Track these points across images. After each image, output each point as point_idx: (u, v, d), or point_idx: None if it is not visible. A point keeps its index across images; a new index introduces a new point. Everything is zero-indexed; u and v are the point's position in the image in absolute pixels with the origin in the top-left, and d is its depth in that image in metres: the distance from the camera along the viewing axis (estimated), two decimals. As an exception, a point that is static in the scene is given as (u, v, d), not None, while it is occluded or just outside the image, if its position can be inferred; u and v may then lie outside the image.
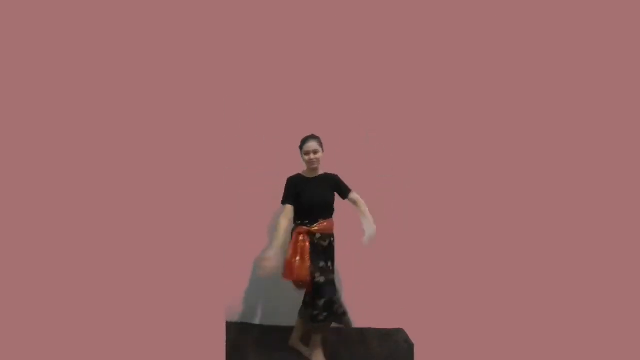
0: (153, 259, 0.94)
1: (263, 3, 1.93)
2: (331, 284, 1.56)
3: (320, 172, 1.66)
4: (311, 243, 1.56)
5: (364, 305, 2.03)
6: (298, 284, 1.55)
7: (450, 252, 1.14)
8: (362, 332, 1.98)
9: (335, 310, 1.53)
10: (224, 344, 1.09)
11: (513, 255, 0.97)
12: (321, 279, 1.54)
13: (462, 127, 1.12)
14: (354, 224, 1.63)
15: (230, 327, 1.93)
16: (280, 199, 1.63)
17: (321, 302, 1.51)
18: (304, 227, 1.57)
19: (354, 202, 1.65)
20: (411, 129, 2.02)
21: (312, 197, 1.58)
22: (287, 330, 1.90)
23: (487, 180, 1.04)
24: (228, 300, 2.02)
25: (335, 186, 1.66)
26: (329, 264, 1.61)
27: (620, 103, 0.87)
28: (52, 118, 0.90)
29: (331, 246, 1.64)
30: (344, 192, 1.66)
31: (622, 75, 0.87)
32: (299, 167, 1.70)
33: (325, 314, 1.52)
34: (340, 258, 1.99)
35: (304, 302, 1.66)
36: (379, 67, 2.03)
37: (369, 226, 1.58)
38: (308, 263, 1.51)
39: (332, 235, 1.63)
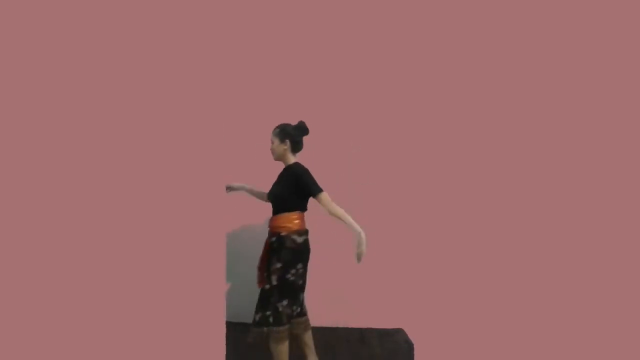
0: (153, 259, 0.94)
1: (252, 5, 1.93)
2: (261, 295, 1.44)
3: (292, 163, 1.55)
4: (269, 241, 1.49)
5: (364, 305, 2.03)
6: None
7: (450, 252, 1.14)
8: (362, 332, 1.98)
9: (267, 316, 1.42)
10: (224, 344, 1.09)
11: (512, 256, 0.97)
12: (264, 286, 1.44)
13: (458, 128, 1.12)
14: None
15: (230, 327, 1.93)
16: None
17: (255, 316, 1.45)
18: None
19: (320, 203, 1.45)
20: (407, 128, 2.02)
21: (271, 189, 1.57)
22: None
23: (486, 181, 1.04)
24: (228, 300, 2.02)
25: (297, 181, 1.46)
26: (274, 266, 1.42)
27: (620, 103, 0.87)
28: (48, 117, 0.90)
29: (280, 247, 1.43)
30: (310, 190, 1.44)
31: (621, 75, 0.87)
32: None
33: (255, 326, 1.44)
34: (340, 258, 1.99)
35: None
36: (368, 68, 2.03)
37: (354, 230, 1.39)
38: (261, 265, 1.48)
39: (278, 234, 1.44)
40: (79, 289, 0.90)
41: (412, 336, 1.94)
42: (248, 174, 2.02)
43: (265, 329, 1.40)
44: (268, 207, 1.95)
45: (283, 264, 1.41)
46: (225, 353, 1.10)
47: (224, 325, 1.11)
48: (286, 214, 1.47)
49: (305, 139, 1.61)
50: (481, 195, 1.06)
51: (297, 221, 1.46)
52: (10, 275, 0.86)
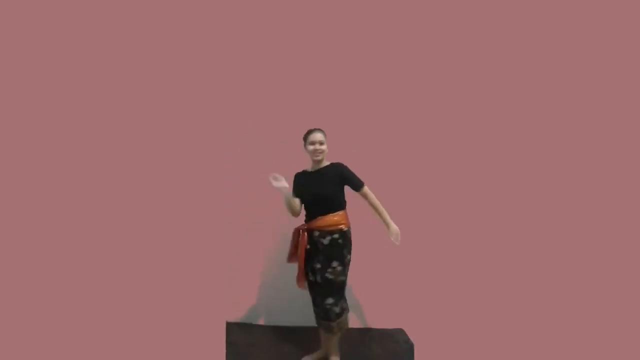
0: (154, 260, 0.94)
1: (263, 2, 1.93)
2: (322, 285, 1.51)
3: (326, 163, 1.60)
4: (310, 241, 1.53)
5: (364, 305, 2.03)
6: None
7: (450, 252, 1.14)
8: (362, 332, 1.98)
9: (318, 312, 1.54)
10: (224, 344, 1.09)
11: (512, 256, 0.97)
12: (311, 279, 1.55)
13: (460, 128, 1.12)
14: (355, 223, 1.63)
15: (230, 327, 1.93)
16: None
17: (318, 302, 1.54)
18: (304, 224, 1.56)
19: (365, 197, 1.58)
20: (408, 128, 2.02)
21: (310, 191, 1.54)
22: (287, 330, 1.91)
23: (486, 182, 1.04)
24: (228, 300, 2.03)
25: (341, 178, 1.55)
26: (332, 263, 1.50)
27: (620, 103, 0.87)
28: (49, 118, 0.90)
29: (334, 245, 1.51)
30: (354, 185, 1.56)
31: (622, 75, 0.87)
32: (301, 168, 1.70)
33: (322, 315, 1.54)
34: (340, 258, 1.98)
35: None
36: (373, 67, 2.03)
37: (389, 224, 1.55)
38: (302, 265, 1.53)
39: (335, 232, 1.51)
40: (79, 289, 0.90)
41: (412, 336, 1.94)
42: (249, 173, 2.02)
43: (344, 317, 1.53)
44: (269, 206, 1.96)
45: (349, 255, 1.55)
46: (225, 353, 1.10)
47: (224, 325, 1.11)
48: (341, 212, 1.56)
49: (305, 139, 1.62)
50: (481, 196, 1.06)
51: (347, 216, 1.57)
52: (10, 274, 0.86)
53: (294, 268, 1.59)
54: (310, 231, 1.54)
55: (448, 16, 1.14)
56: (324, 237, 1.51)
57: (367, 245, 1.98)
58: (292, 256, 1.62)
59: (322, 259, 1.50)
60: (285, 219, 1.78)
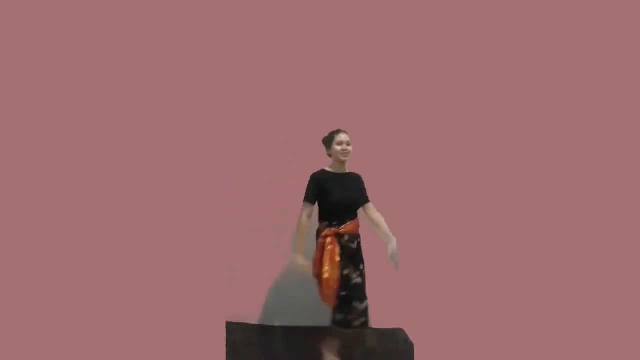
0: (154, 260, 0.94)
1: (268, 4, 1.94)
2: (356, 289, 1.48)
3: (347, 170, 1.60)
4: (340, 246, 1.46)
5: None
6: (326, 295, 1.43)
7: (450, 253, 1.14)
8: (362, 332, 1.97)
9: (352, 318, 1.44)
10: (224, 343, 1.09)
11: (511, 257, 0.97)
12: (359, 280, 1.47)
13: (459, 129, 1.12)
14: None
15: (230, 327, 1.93)
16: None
17: (362, 307, 1.46)
18: (332, 229, 1.47)
19: (369, 215, 1.55)
20: (408, 129, 2.02)
21: (342, 195, 1.48)
22: (287, 330, 1.90)
23: (485, 183, 1.04)
24: (228, 300, 2.03)
25: (362, 187, 1.59)
26: (359, 266, 1.52)
27: (620, 103, 0.87)
28: (53, 119, 0.90)
29: (359, 247, 1.54)
30: (364, 199, 1.58)
31: (621, 75, 0.87)
32: (301, 168, 1.69)
33: (362, 319, 1.46)
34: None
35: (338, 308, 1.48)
36: (373, 69, 2.03)
37: (389, 241, 1.47)
38: (338, 271, 1.41)
39: (359, 236, 1.54)
40: (80, 288, 0.90)
41: (412, 336, 1.94)
42: (249, 173, 2.02)
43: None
44: (269, 206, 1.95)
45: (363, 266, 1.54)
46: (225, 353, 1.10)
47: (224, 325, 1.11)
48: (357, 218, 1.54)
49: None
50: (481, 196, 1.06)
51: None
52: (10, 275, 0.86)
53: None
54: (339, 237, 1.47)
55: (448, 20, 1.14)
56: (353, 242, 1.51)
57: (367, 246, 1.97)
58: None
59: (350, 264, 1.47)
60: (285, 219, 1.78)
